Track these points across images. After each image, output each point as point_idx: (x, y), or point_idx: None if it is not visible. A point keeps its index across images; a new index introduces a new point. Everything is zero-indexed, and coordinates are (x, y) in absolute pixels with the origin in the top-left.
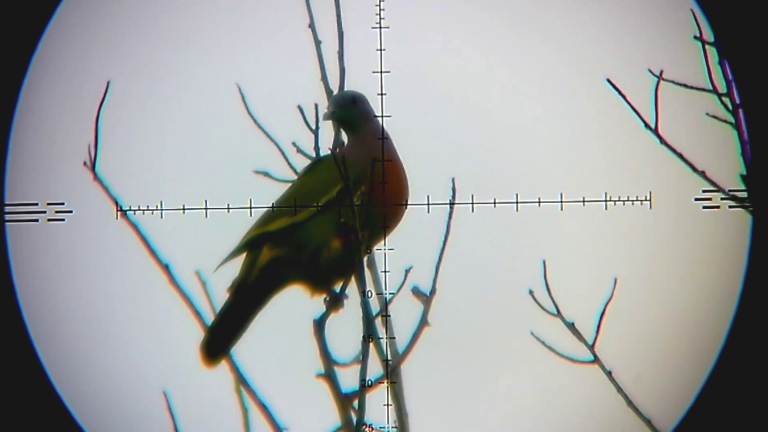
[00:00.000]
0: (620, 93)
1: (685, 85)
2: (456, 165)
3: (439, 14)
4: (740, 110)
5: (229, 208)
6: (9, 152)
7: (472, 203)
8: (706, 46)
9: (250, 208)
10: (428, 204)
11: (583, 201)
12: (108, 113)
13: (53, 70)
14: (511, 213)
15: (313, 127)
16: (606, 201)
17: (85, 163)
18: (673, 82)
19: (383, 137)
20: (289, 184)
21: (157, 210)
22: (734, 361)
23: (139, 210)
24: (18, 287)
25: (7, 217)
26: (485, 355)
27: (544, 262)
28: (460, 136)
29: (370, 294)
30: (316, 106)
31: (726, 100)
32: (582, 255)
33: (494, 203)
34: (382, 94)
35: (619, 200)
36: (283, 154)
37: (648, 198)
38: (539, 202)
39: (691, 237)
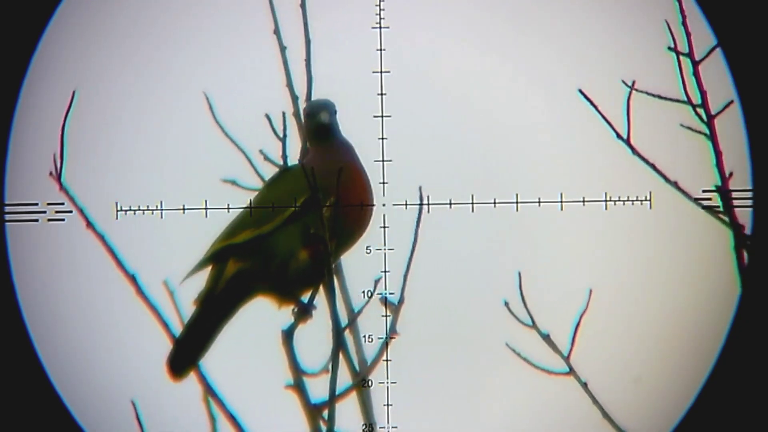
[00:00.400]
0: (592, 103)
1: (660, 96)
2: (456, 165)
3: (439, 14)
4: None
5: (229, 208)
6: (9, 152)
7: (472, 203)
8: (681, 57)
9: (250, 208)
10: (428, 204)
11: (583, 201)
12: (109, 114)
13: (53, 70)
14: (511, 213)
15: (281, 135)
16: (606, 201)
17: (51, 173)
18: (646, 92)
19: (382, 138)
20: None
21: (157, 210)
22: (732, 368)
23: (139, 210)
24: (18, 287)
25: (7, 217)
26: (461, 365)
27: (519, 274)
28: (460, 136)
29: (370, 294)
30: (284, 114)
31: (701, 110)
32: (582, 257)
33: (494, 203)
34: (382, 94)
35: (619, 200)
36: (250, 162)
37: (648, 198)
38: (539, 202)
39: (691, 237)
